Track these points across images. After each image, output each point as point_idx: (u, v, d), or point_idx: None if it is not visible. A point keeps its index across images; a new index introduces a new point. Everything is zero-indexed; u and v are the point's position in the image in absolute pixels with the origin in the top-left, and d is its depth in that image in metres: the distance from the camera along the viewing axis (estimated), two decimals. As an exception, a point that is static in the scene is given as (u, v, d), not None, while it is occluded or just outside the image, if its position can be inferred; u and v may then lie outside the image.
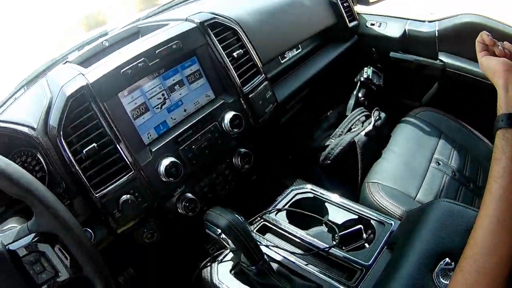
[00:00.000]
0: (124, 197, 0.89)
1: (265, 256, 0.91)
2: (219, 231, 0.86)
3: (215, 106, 1.04)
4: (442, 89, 1.48)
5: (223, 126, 1.03)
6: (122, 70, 0.93)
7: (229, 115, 1.02)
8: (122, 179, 0.90)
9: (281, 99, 1.19)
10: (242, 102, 1.07)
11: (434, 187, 1.25)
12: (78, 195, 0.89)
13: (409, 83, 1.54)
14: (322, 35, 1.45)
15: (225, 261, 1.01)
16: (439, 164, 1.31)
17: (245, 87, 1.08)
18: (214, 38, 1.07)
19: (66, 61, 1.11)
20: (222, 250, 1.02)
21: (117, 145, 0.90)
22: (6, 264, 0.64)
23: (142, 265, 1.27)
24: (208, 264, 1.01)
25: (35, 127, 0.87)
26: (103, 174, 0.88)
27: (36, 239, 0.68)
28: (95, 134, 0.89)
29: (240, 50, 1.10)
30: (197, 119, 1.01)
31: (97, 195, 0.87)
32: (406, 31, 1.50)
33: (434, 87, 1.49)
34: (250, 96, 1.08)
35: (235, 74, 1.07)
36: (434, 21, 1.45)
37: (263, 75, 1.13)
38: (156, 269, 1.22)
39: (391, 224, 1.01)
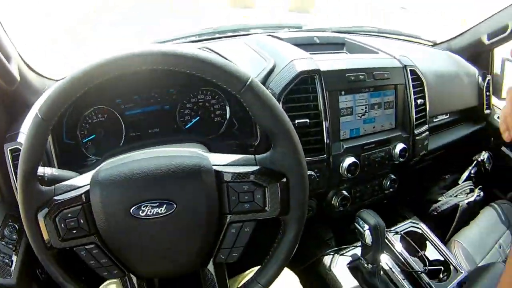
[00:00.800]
0: (309, 172, 1.02)
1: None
2: (367, 227, 1.08)
3: (394, 134, 1.26)
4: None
5: (393, 152, 1.25)
6: (347, 74, 1.14)
7: (400, 146, 1.24)
8: (315, 157, 1.08)
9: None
10: (410, 140, 1.29)
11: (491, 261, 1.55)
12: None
13: (504, 177, 1.80)
14: (462, 112, 1.67)
15: (345, 255, 1.26)
16: (500, 247, 1.60)
17: (416, 129, 1.30)
18: (411, 82, 1.30)
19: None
20: (347, 246, 1.28)
21: (324, 127, 1.07)
22: (211, 182, 0.62)
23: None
24: (331, 253, 1.26)
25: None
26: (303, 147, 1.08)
27: (263, 173, 0.64)
28: (311, 111, 1.05)
29: (422, 100, 1.33)
30: (381, 138, 1.23)
31: None
32: (520, 136, 1.76)
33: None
34: (416, 138, 1.31)
35: (414, 117, 1.29)
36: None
37: (427, 125, 1.36)
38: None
39: (462, 273, 1.28)
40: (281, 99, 1.03)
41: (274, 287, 0.71)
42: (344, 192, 1.25)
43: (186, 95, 1.14)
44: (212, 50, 1.12)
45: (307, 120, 1.06)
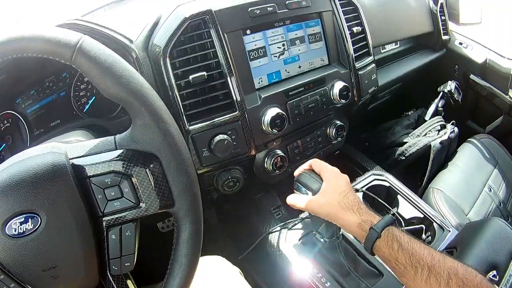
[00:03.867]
0: (221, 136, 0.79)
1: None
2: (310, 194, 0.77)
3: (328, 72, 0.94)
4: (507, 123, 1.45)
5: (332, 94, 0.94)
6: (250, 8, 0.84)
7: (339, 85, 0.93)
8: (224, 116, 0.80)
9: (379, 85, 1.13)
10: (352, 76, 0.98)
11: (483, 209, 1.22)
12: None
13: (478, 108, 1.50)
14: (416, 39, 1.38)
15: (295, 229, 0.93)
16: (490, 190, 1.28)
17: (357, 63, 1.00)
18: (340, 8, 0.99)
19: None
20: (295, 219, 0.95)
21: (229, 79, 0.79)
22: (68, 182, 0.46)
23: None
24: (277, 229, 0.93)
25: (133, 40, 0.77)
26: (203, 107, 0.78)
27: (124, 157, 0.49)
28: (207, 62, 0.78)
29: (359, 27, 1.01)
30: (310, 79, 0.91)
31: (190, 127, 0.76)
32: (487, 60, 1.45)
33: (499, 119, 1.45)
34: (359, 72, 0.99)
35: (352, 48, 0.98)
36: (512, 60, 1.42)
37: (372, 56, 1.05)
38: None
39: (449, 231, 0.98)
40: (166, 54, 0.76)
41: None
42: (278, 151, 0.93)
43: (78, 75, 0.89)
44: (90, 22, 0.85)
45: (204, 73, 0.77)
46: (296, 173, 0.81)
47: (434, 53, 1.39)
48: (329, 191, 0.72)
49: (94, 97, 0.92)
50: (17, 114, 0.88)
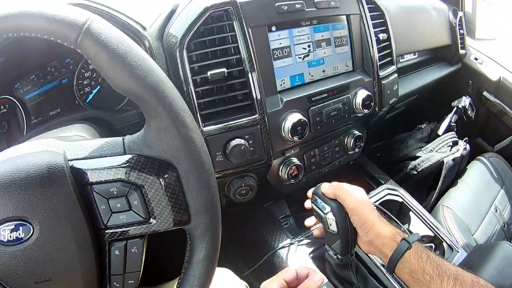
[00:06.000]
0: (237, 140, 0.69)
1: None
2: (328, 209, 0.68)
3: (353, 79, 0.86)
4: (514, 144, 1.41)
5: (354, 102, 0.86)
6: (277, 3, 0.75)
7: (363, 93, 0.85)
8: (243, 119, 0.70)
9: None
10: (376, 85, 0.90)
11: (488, 230, 1.18)
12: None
13: (487, 126, 1.45)
14: (434, 51, 1.30)
15: (305, 244, 0.86)
16: (496, 211, 1.23)
17: (381, 71, 0.91)
18: (367, 12, 0.91)
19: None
20: (306, 233, 0.88)
21: (250, 78, 0.70)
22: (66, 188, 0.38)
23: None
24: (288, 244, 0.85)
25: (147, 27, 0.68)
26: (220, 107, 0.69)
27: (134, 165, 0.40)
28: (227, 58, 0.69)
29: (385, 34, 0.93)
30: (334, 85, 0.83)
31: (204, 128, 0.67)
32: (501, 78, 1.40)
33: (509, 139, 1.40)
34: (383, 82, 0.91)
35: (377, 55, 0.90)
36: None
37: (395, 66, 0.97)
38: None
39: (458, 251, 0.93)
40: (184, 46, 0.66)
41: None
42: (294, 160, 0.84)
43: (83, 62, 0.79)
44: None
45: (224, 69, 0.68)
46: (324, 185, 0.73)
47: (450, 66, 1.33)
48: (366, 201, 0.67)
49: (98, 87, 0.82)
50: (14, 100, 0.79)
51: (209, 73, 0.67)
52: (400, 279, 0.62)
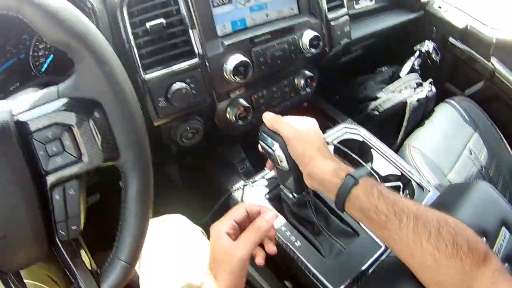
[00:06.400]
0: (178, 84, 0.71)
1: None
2: (276, 145, 0.66)
3: (298, 21, 0.86)
4: (486, 89, 1.38)
5: (301, 42, 0.85)
6: None
7: (309, 34, 0.85)
8: (183, 64, 0.71)
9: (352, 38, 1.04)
10: (324, 26, 0.90)
11: (464, 172, 1.15)
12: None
13: (456, 71, 1.43)
14: (392, -2, 1.30)
15: (260, 184, 0.84)
16: (471, 154, 1.21)
17: (329, 13, 0.91)
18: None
19: None
20: (260, 173, 0.86)
21: (189, 26, 0.71)
22: (10, 141, 0.40)
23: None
24: (241, 187, 0.84)
25: None
26: (160, 55, 0.70)
27: (65, 107, 0.43)
28: (166, 9, 0.70)
29: None
30: (278, 27, 0.83)
31: (145, 76, 0.69)
32: (468, 26, 1.38)
33: (479, 84, 1.38)
34: (331, 23, 0.91)
35: None
36: (496, 29, 1.35)
37: (345, 9, 0.96)
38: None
39: (429, 191, 0.87)
40: (124, 2, 0.67)
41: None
42: (242, 101, 0.84)
43: (37, 35, 0.82)
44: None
45: (162, 20, 0.69)
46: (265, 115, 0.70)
47: (410, 13, 1.30)
48: (306, 132, 0.62)
49: (52, 56, 0.84)
50: None
51: (147, 24, 0.68)
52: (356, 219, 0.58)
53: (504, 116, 1.37)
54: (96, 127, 0.43)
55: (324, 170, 0.58)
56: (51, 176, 0.43)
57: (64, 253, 0.46)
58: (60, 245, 0.45)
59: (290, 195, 0.76)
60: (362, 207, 0.53)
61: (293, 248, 0.72)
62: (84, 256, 0.48)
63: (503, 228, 0.66)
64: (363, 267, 0.70)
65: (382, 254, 0.72)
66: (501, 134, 1.34)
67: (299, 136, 0.62)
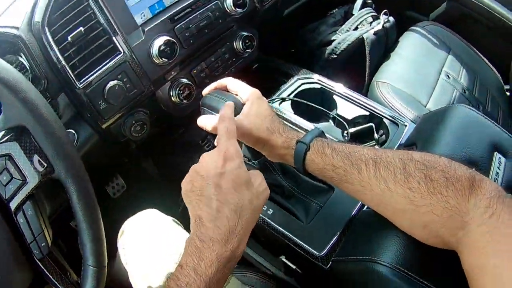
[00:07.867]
0: (111, 83, 0.70)
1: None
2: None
3: (217, -14, 0.80)
4: (451, 10, 1.28)
5: (225, 5, 0.81)
6: None
7: (231, -5, 0.80)
8: (110, 62, 0.70)
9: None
10: None
11: (445, 98, 1.07)
12: (60, 92, 0.70)
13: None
14: None
15: None
16: (449, 77, 1.12)
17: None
18: None
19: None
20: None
21: (106, 27, 0.71)
22: None
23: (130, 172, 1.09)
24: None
25: (19, 26, 0.69)
26: (89, 60, 0.70)
27: (6, 138, 0.49)
28: (83, 17, 0.69)
29: None
30: None
31: (80, 85, 0.68)
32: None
33: (443, 6, 1.28)
34: (254, -24, 0.85)
35: None
36: None
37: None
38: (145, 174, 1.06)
39: (406, 125, 0.80)
40: (45, 24, 0.67)
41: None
42: (183, 80, 0.81)
43: None
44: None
45: (80, 28, 0.69)
46: (204, 92, 0.67)
47: None
48: (253, 114, 0.58)
49: None
50: None
51: (69, 37, 0.68)
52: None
53: (475, 33, 1.28)
54: (26, 148, 0.48)
55: (278, 147, 0.56)
56: (11, 203, 0.48)
57: (45, 270, 0.50)
58: (40, 264, 0.50)
59: (250, 162, 0.71)
60: (320, 169, 0.51)
61: (266, 218, 0.67)
62: (67, 268, 0.52)
63: (496, 154, 0.57)
64: (345, 223, 0.64)
65: (362, 206, 0.66)
66: (477, 51, 1.24)
67: (253, 128, 0.58)
